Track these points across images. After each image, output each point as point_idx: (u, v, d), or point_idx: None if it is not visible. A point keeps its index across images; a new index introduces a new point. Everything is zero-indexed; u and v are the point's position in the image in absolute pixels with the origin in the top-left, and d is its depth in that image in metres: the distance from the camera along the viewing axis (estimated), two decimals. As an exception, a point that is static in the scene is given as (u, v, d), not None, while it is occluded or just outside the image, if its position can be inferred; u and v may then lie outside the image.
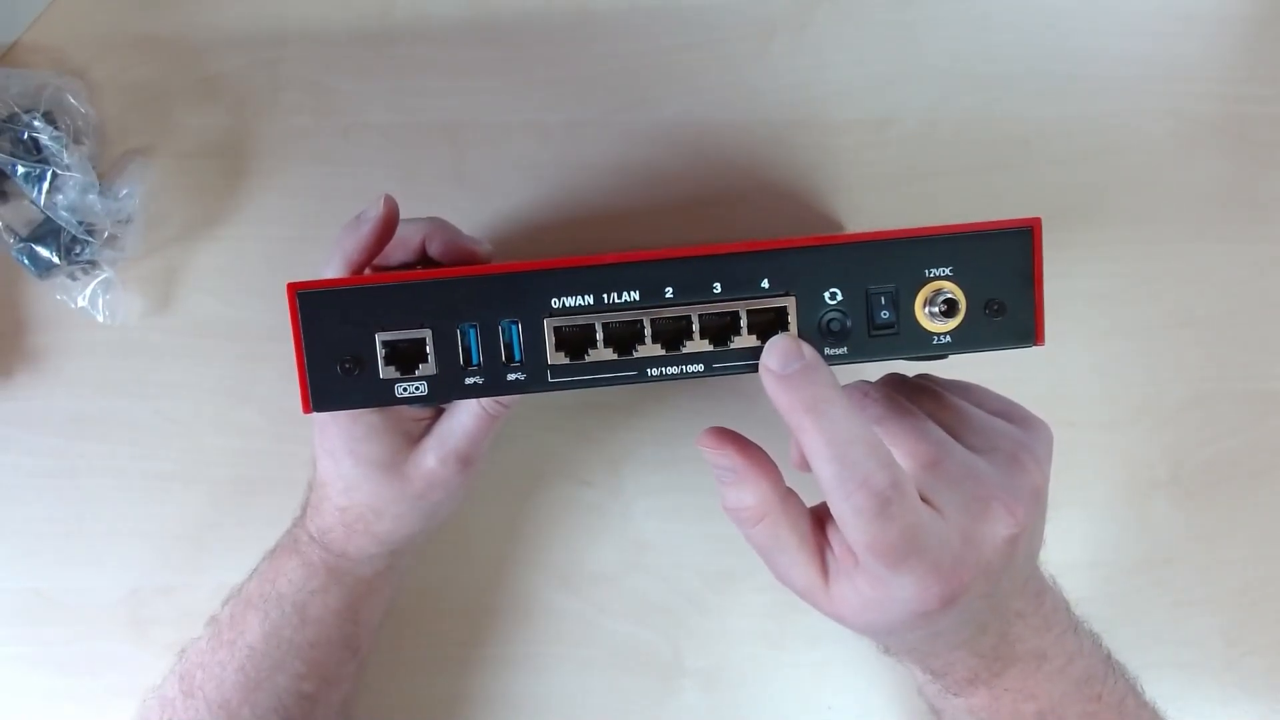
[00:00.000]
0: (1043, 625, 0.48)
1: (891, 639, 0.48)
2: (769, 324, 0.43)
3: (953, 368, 0.49)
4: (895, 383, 0.50)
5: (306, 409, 0.43)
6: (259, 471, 0.67)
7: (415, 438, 0.54)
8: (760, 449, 0.45)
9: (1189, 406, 0.68)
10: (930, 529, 0.41)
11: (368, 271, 0.52)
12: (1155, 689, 0.54)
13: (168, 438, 0.66)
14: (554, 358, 0.43)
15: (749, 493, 0.44)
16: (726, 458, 0.44)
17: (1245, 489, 0.68)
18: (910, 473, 0.42)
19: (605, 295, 0.43)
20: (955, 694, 0.50)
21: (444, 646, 0.68)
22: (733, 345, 0.43)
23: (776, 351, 0.42)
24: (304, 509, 0.58)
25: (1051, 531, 0.48)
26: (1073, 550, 0.68)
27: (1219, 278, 0.68)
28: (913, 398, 0.47)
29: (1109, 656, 0.53)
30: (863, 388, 0.48)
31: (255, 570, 0.58)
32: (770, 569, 0.46)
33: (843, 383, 0.46)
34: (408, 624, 0.67)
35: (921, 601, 0.41)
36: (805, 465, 0.46)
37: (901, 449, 0.43)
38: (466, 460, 0.54)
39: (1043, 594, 0.49)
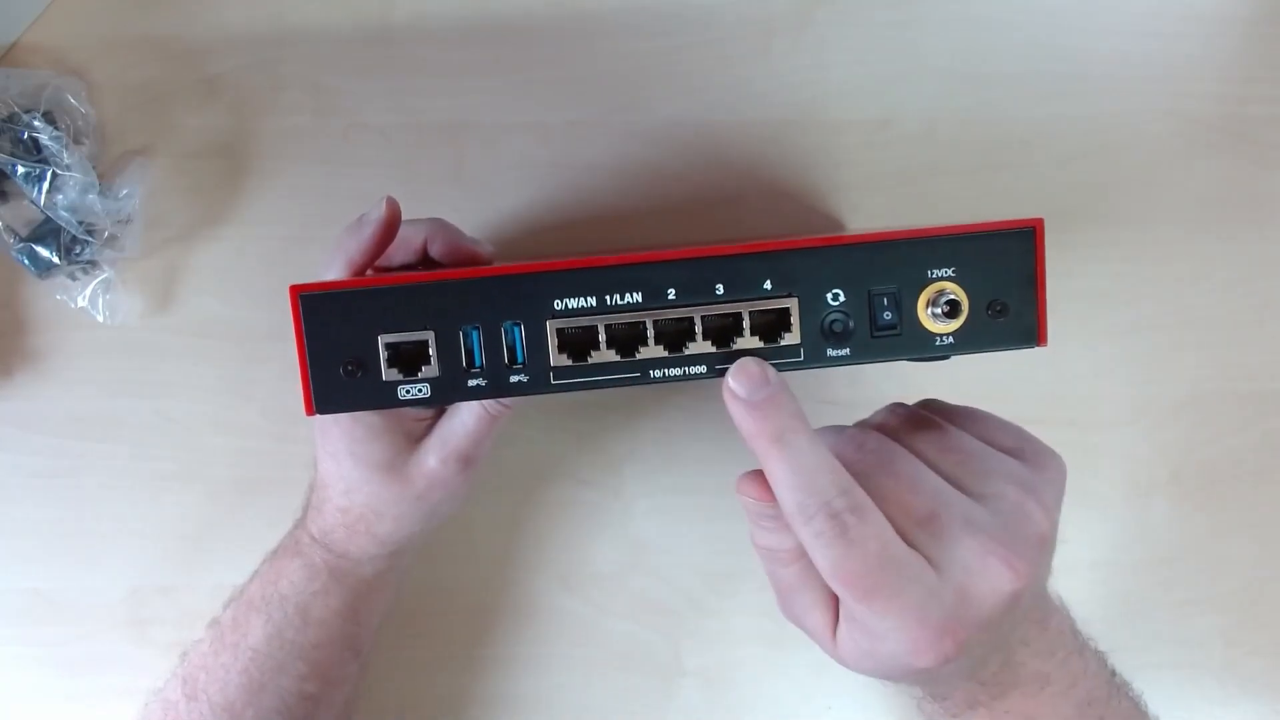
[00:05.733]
0: (1047, 650, 0.47)
1: (895, 684, 0.48)
2: (771, 325, 0.43)
3: (953, 365, 0.49)
4: (898, 419, 0.48)
5: (309, 411, 0.43)
6: (259, 471, 0.67)
7: (416, 438, 0.54)
8: None
9: (1189, 406, 0.68)
10: (910, 569, 0.40)
11: (369, 273, 0.52)
12: (1155, 689, 0.54)
13: (168, 438, 0.66)
14: (556, 359, 0.43)
15: (790, 537, 0.43)
16: (770, 506, 0.43)
17: (1245, 489, 0.68)
18: (905, 528, 0.42)
19: (608, 297, 0.43)
20: (954, 716, 0.49)
21: (445, 646, 0.68)
22: (735, 346, 0.43)
23: (744, 377, 0.42)
24: (305, 510, 0.58)
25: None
26: (1073, 550, 0.67)
27: (1219, 278, 0.68)
28: (914, 435, 0.46)
29: (1113, 676, 0.51)
30: (858, 439, 0.46)
31: (257, 572, 0.58)
32: (783, 607, 0.46)
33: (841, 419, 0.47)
34: (409, 624, 0.67)
35: (915, 656, 0.41)
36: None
37: (894, 503, 0.42)
38: (468, 460, 0.54)
39: (1048, 618, 0.48)
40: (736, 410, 0.42)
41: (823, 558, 0.40)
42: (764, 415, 0.41)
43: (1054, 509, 0.44)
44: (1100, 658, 0.51)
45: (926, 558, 0.41)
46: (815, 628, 0.45)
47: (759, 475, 0.43)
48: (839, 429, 0.47)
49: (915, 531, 0.42)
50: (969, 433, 0.46)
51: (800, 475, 0.40)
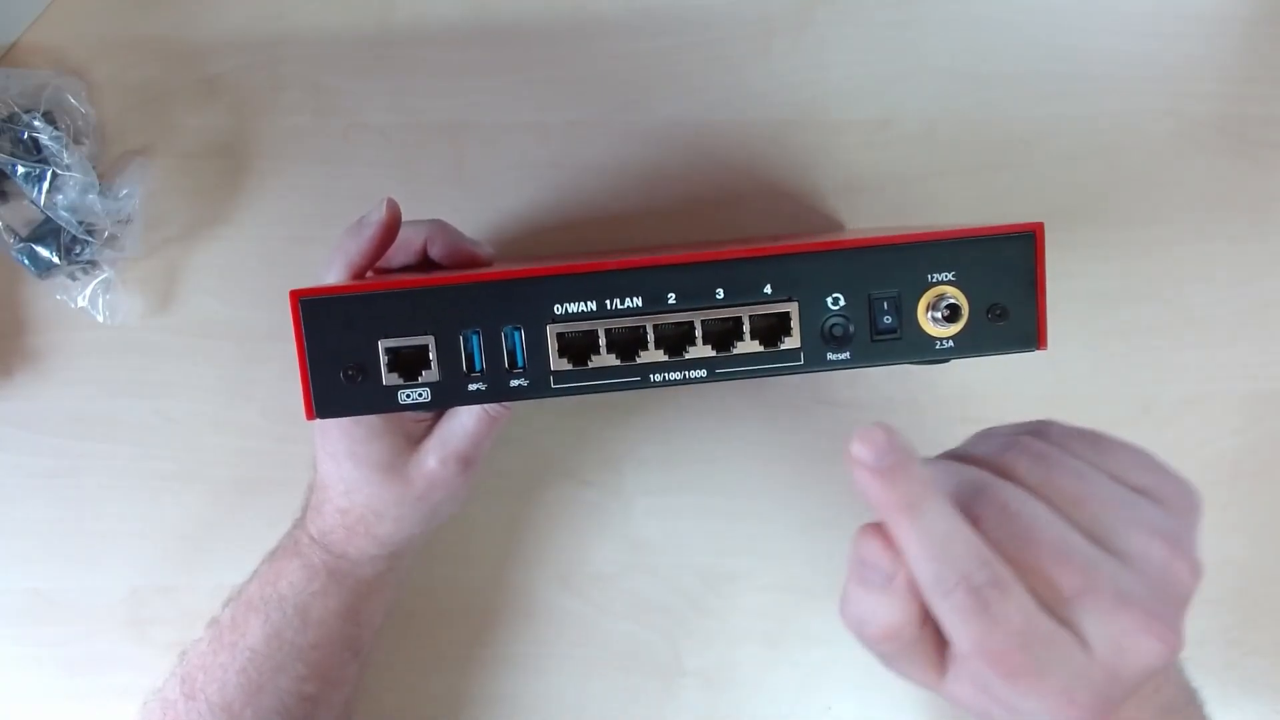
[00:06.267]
0: None
1: None
2: (772, 329, 0.43)
3: (954, 364, 0.49)
4: (1016, 454, 0.42)
5: (310, 416, 0.43)
6: (259, 471, 0.67)
7: (416, 439, 0.54)
8: None
9: (1189, 406, 0.68)
10: (1057, 648, 0.37)
11: (370, 275, 0.52)
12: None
13: (168, 438, 0.66)
14: (557, 364, 0.43)
15: (898, 610, 0.39)
16: (889, 558, 0.39)
17: (1245, 489, 0.68)
18: (1049, 599, 0.38)
19: (608, 301, 0.43)
20: None
21: (444, 646, 0.68)
22: (735, 350, 0.43)
23: (871, 444, 0.38)
24: (304, 510, 0.58)
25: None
26: (1072, 550, 0.67)
27: (1219, 278, 0.68)
28: (1043, 479, 0.41)
29: (1189, 683, 0.48)
30: (979, 485, 0.41)
31: (256, 572, 0.58)
32: (885, 664, 0.43)
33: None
34: (409, 624, 0.67)
35: None
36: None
37: (1037, 574, 0.38)
38: (468, 461, 0.54)
39: None
40: (863, 478, 0.38)
41: (962, 635, 0.37)
42: (893, 482, 0.38)
43: (1198, 556, 0.41)
44: (1178, 665, 0.48)
45: (1072, 630, 0.38)
46: (922, 680, 0.42)
47: (883, 532, 0.39)
48: (954, 468, 0.42)
49: (1064, 607, 0.38)
50: (1100, 469, 0.42)
51: (936, 547, 0.37)
